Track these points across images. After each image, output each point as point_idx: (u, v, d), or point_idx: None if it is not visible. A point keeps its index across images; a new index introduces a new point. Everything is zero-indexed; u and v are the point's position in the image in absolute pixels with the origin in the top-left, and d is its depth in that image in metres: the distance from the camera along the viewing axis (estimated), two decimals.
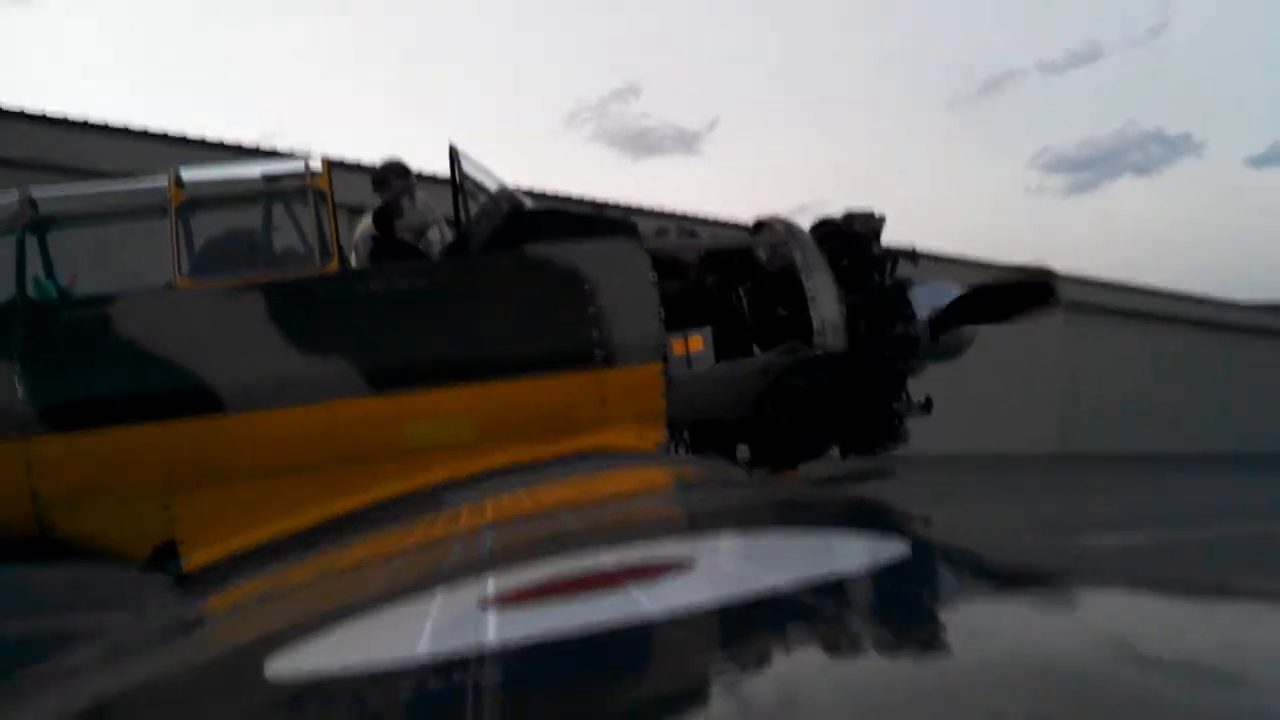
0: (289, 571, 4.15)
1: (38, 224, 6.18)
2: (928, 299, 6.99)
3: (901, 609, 1.59)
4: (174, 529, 5.60)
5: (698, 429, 6.72)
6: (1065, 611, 1.54)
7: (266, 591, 3.74)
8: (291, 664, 1.82)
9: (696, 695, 1.24)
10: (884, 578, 1.73)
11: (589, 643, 1.53)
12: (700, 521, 3.16)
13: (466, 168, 6.60)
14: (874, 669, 1.29)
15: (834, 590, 1.64)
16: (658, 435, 6.03)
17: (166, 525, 5.59)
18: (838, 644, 1.39)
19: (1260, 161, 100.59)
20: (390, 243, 6.91)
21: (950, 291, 7.24)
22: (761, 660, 1.40)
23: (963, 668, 1.25)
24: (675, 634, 1.54)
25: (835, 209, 7.20)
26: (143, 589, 5.49)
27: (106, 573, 6.25)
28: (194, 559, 5.54)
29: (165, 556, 5.64)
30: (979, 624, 1.47)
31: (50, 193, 6.42)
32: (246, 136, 23.21)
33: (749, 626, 1.61)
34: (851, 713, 1.14)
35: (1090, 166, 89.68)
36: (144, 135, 20.39)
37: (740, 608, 1.64)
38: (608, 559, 2.08)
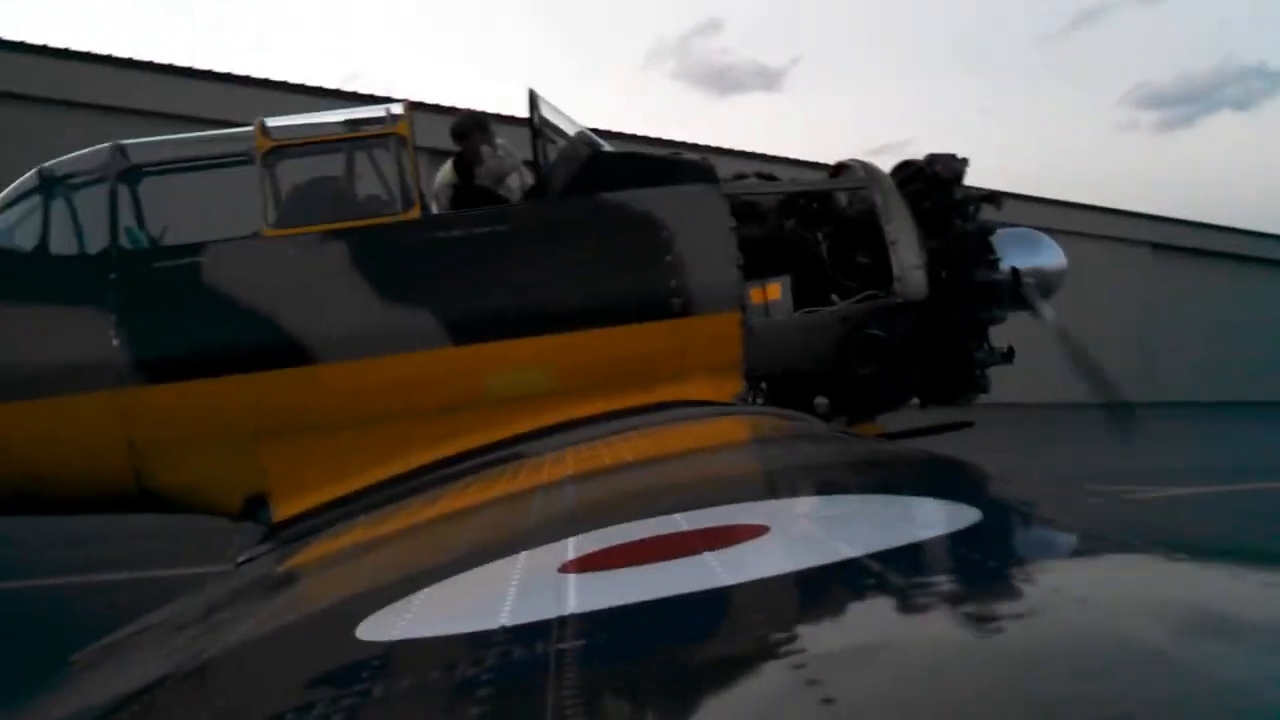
0: (377, 526, 4.24)
1: (128, 173, 6.30)
2: (1015, 246, 6.85)
3: (970, 579, 1.62)
4: (264, 480, 5.74)
5: (775, 379, 6.68)
6: (1134, 582, 1.54)
7: (355, 547, 3.83)
8: (382, 626, 1.90)
9: (768, 663, 1.27)
10: (954, 546, 1.76)
11: (665, 610, 1.59)
12: (775, 483, 3.20)
13: (545, 112, 6.59)
14: (940, 639, 1.31)
15: (904, 558, 1.67)
16: (735, 386, 6.01)
17: (257, 476, 5.73)
18: (905, 614, 1.41)
19: None
20: (470, 190, 6.94)
21: (1038, 239, 7.10)
22: (831, 630, 1.45)
23: (1028, 641, 1.26)
24: (748, 602, 1.58)
25: (919, 149, 7.07)
26: (235, 541, 5.64)
27: (200, 523, 6.43)
28: (283, 510, 5.68)
29: (256, 507, 5.79)
30: (1047, 595, 1.48)
31: (140, 142, 6.54)
32: (328, 79, 23.40)
33: (819, 595, 1.66)
34: (915, 684, 1.17)
35: (1186, 102, 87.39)
36: (227, 78, 20.63)
37: (811, 576, 1.69)
38: (685, 523, 2.13)
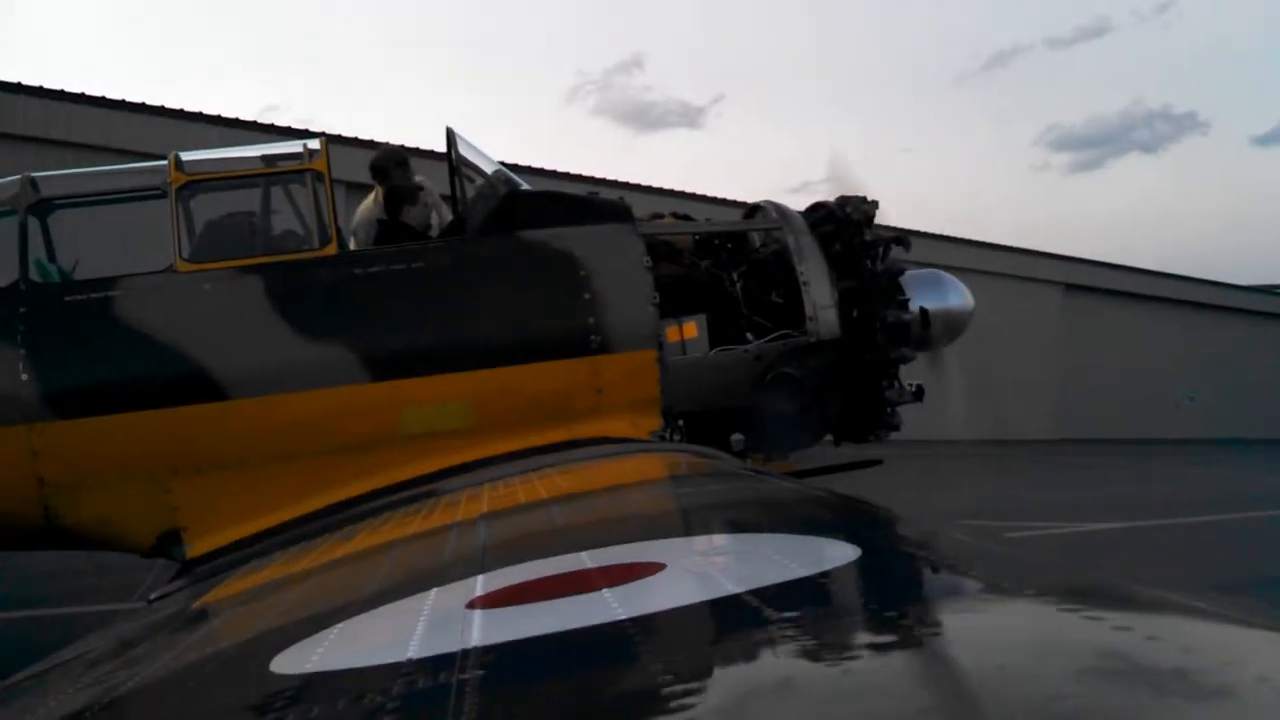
0: (291, 563, 4.26)
1: (39, 205, 6.24)
2: (923, 286, 7.02)
3: (835, 613, 1.78)
4: (177, 517, 5.69)
5: (692, 416, 6.79)
6: (989, 619, 1.66)
7: (270, 583, 3.86)
8: (296, 660, 1.98)
9: (647, 690, 1.38)
10: (828, 583, 1.89)
11: (560, 643, 1.71)
12: (677, 521, 3.36)
13: (463, 150, 6.65)
14: (799, 669, 1.43)
15: (780, 594, 1.79)
16: (652, 423, 6.10)
17: (170, 513, 5.68)
18: (774, 646, 1.52)
19: (1265, 140, 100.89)
20: (395, 227, 6.96)
21: (946, 279, 7.29)
22: (707, 660, 1.59)
23: (879, 670, 1.36)
24: (636, 635, 1.69)
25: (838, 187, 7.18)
26: (148, 577, 5.58)
27: (112, 560, 6.35)
28: (197, 546, 5.64)
29: (169, 544, 5.74)
30: (904, 630, 1.58)
31: (52, 175, 6.48)
32: (244, 111, 23.24)
33: (700, 629, 1.81)
34: (781, 710, 1.28)
35: (1096, 144, 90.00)
36: (143, 109, 20.39)
37: (695, 611, 1.83)
38: (589, 561, 2.25)
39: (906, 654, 1.44)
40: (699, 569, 2.22)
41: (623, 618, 1.74)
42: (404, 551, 3.66)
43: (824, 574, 1.89)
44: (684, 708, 1.23)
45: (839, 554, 2.06)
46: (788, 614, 1.62)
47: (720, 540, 2.74)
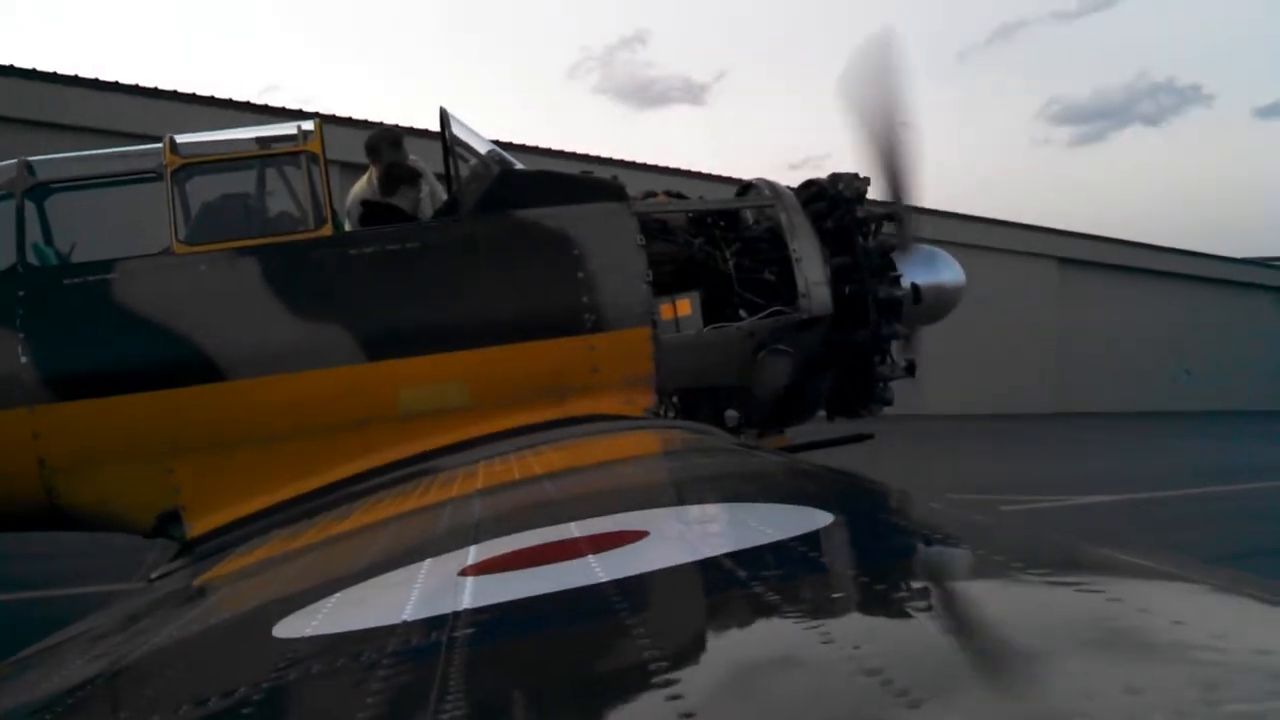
0: (290, 540, 4.34)
1: (35, 189, 6.27)
2: (915, 262, 7.08)
3: (799, 573, 1.87)
4: (177, 497, 5.76)
5: (687, 393, 6.85)
6: (963, 578, 1.76)
7: (270, 559, 3.95)
8: (296, 625, 2.09)
9: (623, 643, 1.48)
10: (797, 546, 1.98)
11: (545, 603, 1.81)
12: (664, 493, 3.47)
13: (456, 130, 6.68)
14: (763, 623, 1.54)
15: (752, 557, 1.90)
16: (647, 400, 6.16)
17: (170, 493, 5.75)
18: (743, 602, 1.63)
19: (1268, 112, 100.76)
20: (381, 207, 7.00)
21: (939, 255, 7.35)
22: (679, 615, 1.73)
23: (842, 631, 1.41)
24: (616, 595, 1.79)
25: (838, 164, 7.26)
26: (149, 557, 5.65)
27: (113, 540, 6.41)
28: (197, 526, 5.71)
29: (169, 524, 5.81)
30: (860, 590, 1.68)
31: (48, 159, 6.52)
32: (243, 92, 23.19)
33: (676, 589, 1.91)
34: (743, 658, 1.39)
35: (1100, 117, 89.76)
36: (137, 90, 20.36)
37: (673, 573, 1.93)
38: (577, 530, 2.35)
39: (866, 613, 1.53)
40: (680, 536, 2.32)
41: (604, 580, 1.83)
42: (400, 526, 3.76)
43: (796, 539, 1.98)
44: (657, 660, 1.31)
45: (814, 521, 2.15)
46: (759, 575, 1.72)
47: (703, 510, 2.84)
